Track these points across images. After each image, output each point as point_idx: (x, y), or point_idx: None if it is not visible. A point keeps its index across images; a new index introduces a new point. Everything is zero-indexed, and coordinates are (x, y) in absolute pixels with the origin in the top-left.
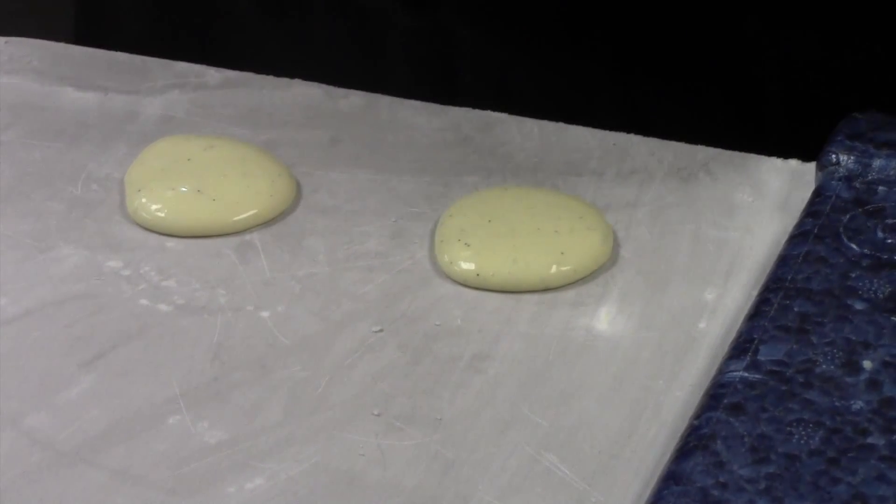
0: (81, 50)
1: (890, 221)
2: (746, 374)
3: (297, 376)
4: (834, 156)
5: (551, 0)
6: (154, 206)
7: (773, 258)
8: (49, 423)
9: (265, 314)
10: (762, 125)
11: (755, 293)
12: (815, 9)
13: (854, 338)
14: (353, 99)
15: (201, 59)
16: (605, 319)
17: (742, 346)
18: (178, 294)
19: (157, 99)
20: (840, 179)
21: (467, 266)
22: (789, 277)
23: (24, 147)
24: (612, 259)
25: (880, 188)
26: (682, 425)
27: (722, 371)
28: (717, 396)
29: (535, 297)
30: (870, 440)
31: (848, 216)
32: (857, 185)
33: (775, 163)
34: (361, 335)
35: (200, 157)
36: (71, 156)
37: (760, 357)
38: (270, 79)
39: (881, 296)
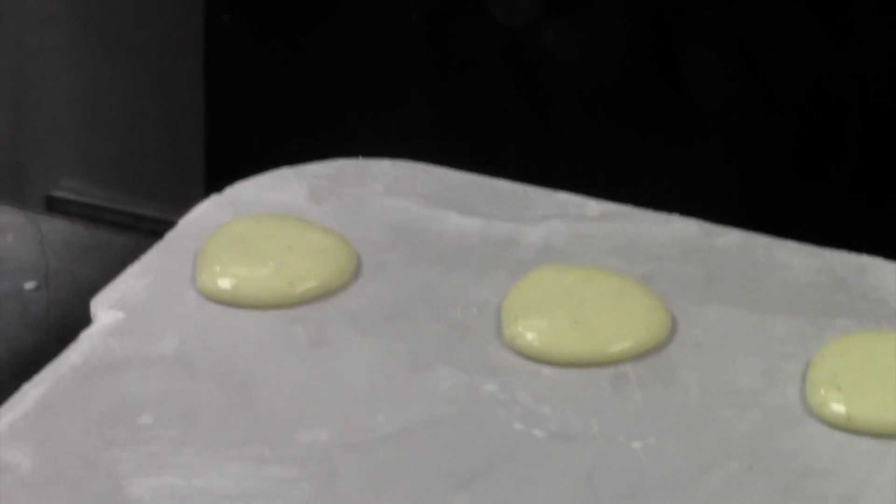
0: (464, 176)
1: None
2: None
3: None
4: None
5: None
6: (530, 335)
7: None
8: None
9: (637, 445)
10: None
11: None
12: None
13: None
14: (731, 237)
15: (581, 189)
16: None
17: None
18: (552, 420)
19: (537, 228)
20: None
21: (838, 409)
22: None
23: (407, 269)
24: None
25: None
26: None
27: None
28: None
29: None
30: None
31: None
32: None
33: None
34: (732, 472)
35: (578, 287)
36: (451, 279)
37: None
38: (649, 213)
39: None
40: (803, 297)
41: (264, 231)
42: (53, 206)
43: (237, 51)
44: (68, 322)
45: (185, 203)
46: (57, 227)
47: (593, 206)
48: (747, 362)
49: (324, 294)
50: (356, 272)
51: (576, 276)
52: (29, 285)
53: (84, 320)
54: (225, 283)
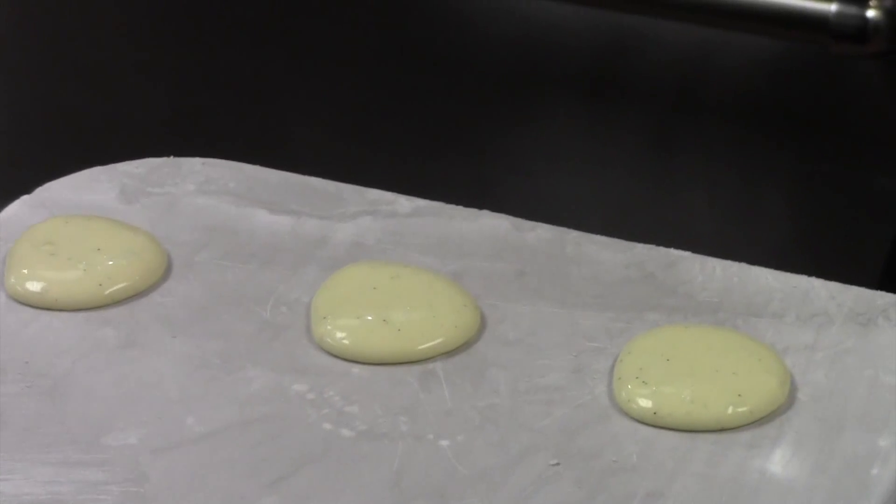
0: (276, 174)
1: None
2: None
3: None
4: None
5: (736, 149)
6: (339, 334)
7: None
8: None
9: (445, 443)
10: None
11: None
12: None
13: None
14: (540, 232)
15: (392, 187)
16: (779, 462)
17: None
18: (361, 420)
19: (348, 225)
20: None
21: (645, 404)
22: None
23: (217, 268)
24: (788, 402)
25: None
26: None
27: None
28: None
29: (711, 436)
30: None
31: None
32: None
33: None
34: (538, 468)
35: (387, 285)
36: (262, 278)
37: None
38: (459, 209)
39: None
40: (612, 291)
41: (73, 232)
42: None
43: None
44: None
45: None
46: None
47: (404, 203)
48: (556, 358)
49: (134, 295)
50: (167, 272)
51: (385, 274)
52: None
53: None
54: (33, 286)
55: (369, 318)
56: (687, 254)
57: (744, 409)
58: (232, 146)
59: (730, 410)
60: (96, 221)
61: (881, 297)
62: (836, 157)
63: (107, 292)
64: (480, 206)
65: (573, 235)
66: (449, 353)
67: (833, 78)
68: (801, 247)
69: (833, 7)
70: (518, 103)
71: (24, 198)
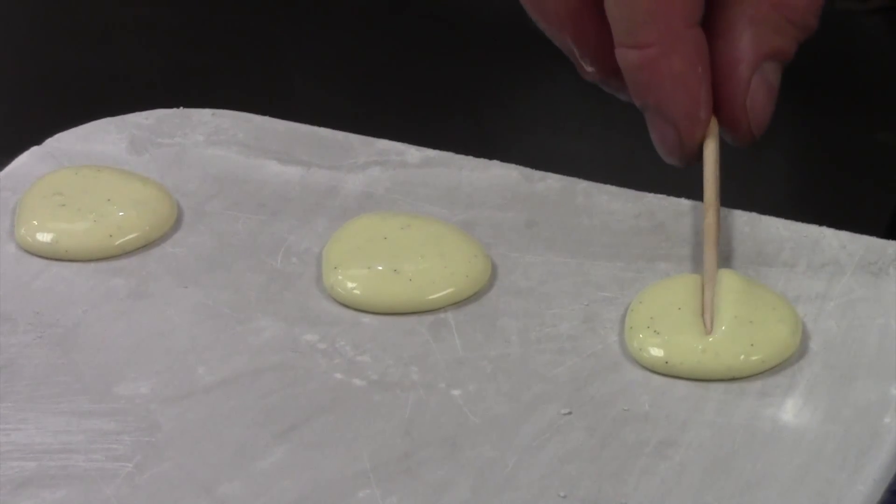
0: (285, 124)
1: None
2: None
3: (485, 455)
4: None
5: None
6: (350, 284)
7: None
8: (241, 492)
9: (456, 392)
10: None
11: None
12: None
13: None
14: (550, 182)
15: (402, 137)
16: (791, 411)
17: None
18: (372, 369)
19: (358, 176)
20: None
21: (656, 353)
22: None
23: (228, 218)
24: (800, 351)
25: None
26: None
27: None
28: None
29: (723, 385)
30: None
31: None
32: None
33: None
34: (550, 417)
35: (397, 235)
36: (272, 228)
37: None
38: (469, 159)
39: None
40: (623, 241)
41: (83, 183)
42: None
43: None
44: None
45: None
46: None
47: (413, 154)
48: (567, 308)
49: (144, 245)
50: (177, 223)
51: (395, 224)
52: None
53: None
54: (44, 237)
55: (380, 267)
56: (698, 203)
57: (756, 357)
58: (240, 100)
59: (741, 359)
60: (106, 172)
61: (892, 246)
62: (838, 113)
63: (117, 243)
64: (489, 157)
65: (583, 185)
66: (460, 303)
67: (836, 33)
68: (804, 202)
69: None
70: (523, 61)
71: (34, 149)
